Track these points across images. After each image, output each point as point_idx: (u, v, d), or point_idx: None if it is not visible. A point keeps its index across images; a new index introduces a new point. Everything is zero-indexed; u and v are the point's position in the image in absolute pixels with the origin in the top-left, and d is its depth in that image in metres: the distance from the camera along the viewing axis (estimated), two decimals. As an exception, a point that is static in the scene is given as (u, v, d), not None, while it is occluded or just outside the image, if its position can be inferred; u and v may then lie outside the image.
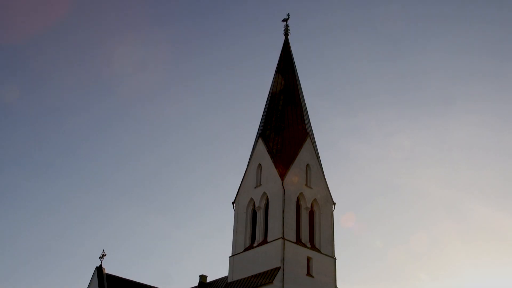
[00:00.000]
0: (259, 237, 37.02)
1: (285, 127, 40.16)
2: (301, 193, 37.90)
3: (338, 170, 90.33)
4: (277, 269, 34.00)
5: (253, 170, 39.77)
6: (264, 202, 38.00)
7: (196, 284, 45.16)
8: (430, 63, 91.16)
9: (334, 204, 39.78)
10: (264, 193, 38.02)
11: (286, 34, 46.73)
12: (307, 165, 39.29)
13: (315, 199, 38.66)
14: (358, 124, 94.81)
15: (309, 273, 35.57)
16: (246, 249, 37.24)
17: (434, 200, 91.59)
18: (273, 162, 38.20)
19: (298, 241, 36.18)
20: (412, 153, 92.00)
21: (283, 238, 35.02)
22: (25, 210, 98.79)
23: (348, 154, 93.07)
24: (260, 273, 34.87)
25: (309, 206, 38.06)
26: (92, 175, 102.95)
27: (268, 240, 35.92)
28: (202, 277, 45.07)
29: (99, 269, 42.50)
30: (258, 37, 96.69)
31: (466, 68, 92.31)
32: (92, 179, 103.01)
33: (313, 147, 40.37)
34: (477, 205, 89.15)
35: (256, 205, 38.21)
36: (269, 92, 43.75)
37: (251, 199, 38.86)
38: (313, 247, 36.91)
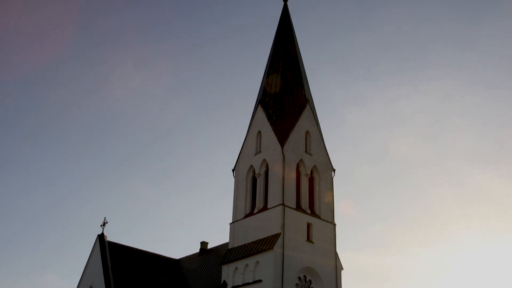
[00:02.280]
0: (259, 203, 37.21)
1: (284, 94, 40.01)
2: (300, 160, 37.96)
3: (338, 137, 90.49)
4: (278, 235, 34.26)
5: (253, 137, 39.77)
6: (264, 169, 38.09)
7: (197, 250, 45.68)
8: (430, 30, 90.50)
9: (334, 170, 39.89)
10: (264, 160, 38.09)
11: (285, 0, 46.20)
12: (307, 132, 39.27)
13: (314, 166, 38.74)
14: (358, 92, 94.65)
15: (309, 239, 35.87)
16: (246, 216, 37.48)
17: (432, 167, 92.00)
18: (272, 129, 38.16)
19: (298, 208, 36.38)
20: (412, 120, 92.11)
21: (283, 204, 35.21)
22: (28, 180, 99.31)
23: (348, 121, 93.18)
24: (260, 239, 35.17)
25: (308, 172, 38.16)
26: (91, 143, 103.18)
27: (268, 207, 36.12)
28: (203, 244, 45.60)
29: (101, 237, 42.85)
30: (256, 3, 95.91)
31: (467, 35, 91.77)
32: (92, 147, 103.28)
33: (313, 114, 40.28)
34: (475, 171, 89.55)
35: (256, 172, 38.31)
36: (268, 59, 43.46)
37: (251, 166, 38.94)
38: (313, 213, 37.14)
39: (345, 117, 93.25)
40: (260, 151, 38.80)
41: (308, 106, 39.89)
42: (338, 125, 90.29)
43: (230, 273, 36.10)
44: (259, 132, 39.40)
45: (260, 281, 33.73)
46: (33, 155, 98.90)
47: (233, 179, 40.00)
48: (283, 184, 35.87)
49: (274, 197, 36.05)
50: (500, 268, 77.54)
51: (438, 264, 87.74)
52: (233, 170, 40.23)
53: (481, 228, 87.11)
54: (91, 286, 41.37)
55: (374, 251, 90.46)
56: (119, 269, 41.44)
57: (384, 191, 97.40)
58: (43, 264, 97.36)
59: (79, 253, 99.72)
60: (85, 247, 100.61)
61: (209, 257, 42.99)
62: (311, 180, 38.54)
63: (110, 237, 43.45)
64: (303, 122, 39.15)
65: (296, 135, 38.31)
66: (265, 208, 36.49)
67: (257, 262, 34.46)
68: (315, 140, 39.59)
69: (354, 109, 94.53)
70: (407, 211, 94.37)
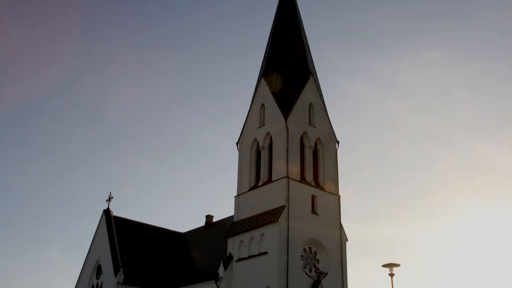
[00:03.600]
0: (263, 176, 37.26)
1: (287, 67, 39.76)
2: (304, 132, 37.91)
3: (342, 110, 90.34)
4: (282, 207, 34.37)
5: (256, 110, 39.67)
6: (268, 141, 38.07)
7: (203, 224, 45.97)
8: (434, 3, 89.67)
9: (338, 142, 39.85)
10: (268, 133, 38.04)
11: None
12: (310, 104, 39.12)
13: (318, 138, 38.69)
14: (361, 65, 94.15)
15: (313, 211, 35.96)
16: (251, 189, 37.56)
17: (436, 138, 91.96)
18: (276, 102, 38.03)
19: (303, 180, 36.43)
20: (416, 92, 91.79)
21: (287, 177, 35.23)
22: (32, 157, 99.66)
23: (352, 93, 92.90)
24: (265, 212, 35.30)
25: (312, 144, 38.11)
26: (94, 118, 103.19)
27: (273, 179, 36.16)
28: (209, 217, 45.87)
29: (107, 212, 43.14)
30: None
31: (470, 8, 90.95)
32: (94, 121, 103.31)
33: (316, 86, 40.09)
34: (479, 142, 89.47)
35: (260, 145, 38.30)
36: (271, 32, 43.13)
37: (255, 139, 38.91)
38: (317, 185, 37.18)
39: (349, 89, 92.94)
40: (263, 124, 38.73)
41: (311, 78, 39.68)
42: (342, 98, 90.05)
43: (235, 245, 36.33)
44: (263, 105, 39.27)
45: (265, 253, 33.94)
46: (36, 131, 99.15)
47: (237, 152, 40.03)
48: (287, 157, 35.87)
49: (278, 170, 36.08)
50: (504, 239, 77.87)
51: (443, 235, 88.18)
52: (237, 144, 40.21)
53: (485, 199, 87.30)
54: (98, 260, 41.83)
55: (379, 222, 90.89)
56: (125, 244, 41.82)
57: (388, 162, 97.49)
58: (47, 240, 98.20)
59: (83, 230, 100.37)
60: (89, 223, 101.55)
61: (215, 230, 43.25)
62: (315, 152, 38.51)
63: (116, 212, 43.78)
64: (306, 94, 38.99)
65: (300, 108, 38.19)
66: (269, 180, 36.54)
67: (262, 234, 34.62)
68: (318, 112, 39.47)
69: (358, 82, 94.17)
70: (411, 182, 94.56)
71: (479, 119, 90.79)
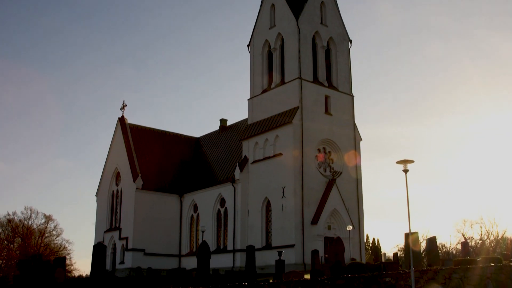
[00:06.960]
0: (276, 78, 36.91)
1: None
2: (316, 32, 37.08)
3: (356, 8, 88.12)
4: (296, 108, 34.29)
5: (267, 10, 38.66)
6: (279, 42, 37.38)
7: (217, 128, 46.23)
8: None
9: (351, 41, 39.02)
10: (279, 34, 37.27)
11: None
12: (322, 2, 38.00)
13: (331, 37, 37.88)
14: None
15: (327, 111, 35.89)
16: (264, 91, 37.37)
17: (455, 37, 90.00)
18: (286, 1, 36.96)
19: (315, 80, 36.07)
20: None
21: (300, 78, 34.89)
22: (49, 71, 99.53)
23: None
24: (279, 114, 35.29)
25: (325, 44, 37.38)
26: (112, 25, 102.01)
27: (286, 81, 35.86)
28: (223, 121, 46.06)
29: (122, 120, 43.34)
30: None
31: None
32: (111, 28, 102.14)
33: (328, -17, 38.74)
34: (496, 40, 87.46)
35: (272, 47, 37.64)
36: None
37: (266, 40, 38.21)
38: (330, 86, 36.84)
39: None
40: (274, 25, 37.87)
41: (322, -25, 38.29)
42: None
43: (250, 148, 36.66)
44: (273, 5, 38.22)
45: (280, 154, 34.29)
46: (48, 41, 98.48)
47: (249, 55, 39.44)
48: (299, 58, 35.34)
49: (290, 71, 35.69)
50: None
51: (458, 133, 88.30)
52: (248, 46, 39.55)
53: (502, 97, 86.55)
54: (116, 167, 42.53)
55: (394, 121, 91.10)
56: (141, 150, 42.34)
57: (404, 62, 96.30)
58: (58, 149, 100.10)
59: (104, 137, 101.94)
60: (104, 132, 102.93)
61: (229, 134, 43.52)
62: (327, 52, 37.84)
63: (130, 119, 43.95)
64: (317, -8, 37.80)
65: (311, 7, 37.13)
66: (282, 82, 36.24)
67: (277, 136, 34.81)
68: (330, 11, 38.40)
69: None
70: (428, 81, 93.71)
71: (497, 17, 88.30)
